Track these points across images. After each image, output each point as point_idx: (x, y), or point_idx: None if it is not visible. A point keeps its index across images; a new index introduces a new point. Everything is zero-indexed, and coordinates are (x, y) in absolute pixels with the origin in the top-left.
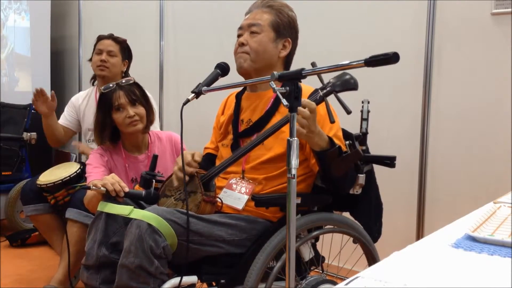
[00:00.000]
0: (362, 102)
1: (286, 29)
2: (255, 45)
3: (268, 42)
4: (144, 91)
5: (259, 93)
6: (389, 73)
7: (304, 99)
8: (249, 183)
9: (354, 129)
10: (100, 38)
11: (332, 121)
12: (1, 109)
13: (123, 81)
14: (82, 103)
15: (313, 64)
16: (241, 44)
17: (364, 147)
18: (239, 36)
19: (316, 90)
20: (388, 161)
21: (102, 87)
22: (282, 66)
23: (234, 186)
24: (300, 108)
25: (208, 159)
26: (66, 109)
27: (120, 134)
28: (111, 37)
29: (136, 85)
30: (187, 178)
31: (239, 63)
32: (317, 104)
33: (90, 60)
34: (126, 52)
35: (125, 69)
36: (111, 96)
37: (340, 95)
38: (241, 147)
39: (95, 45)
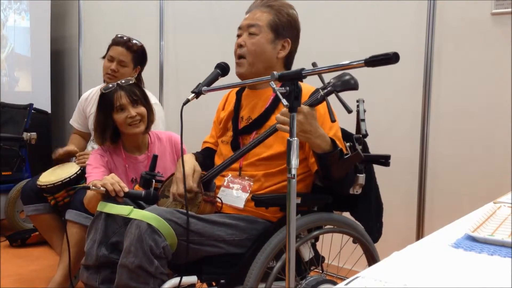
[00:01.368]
0: (357, 102)
1: (285, 29)
2: (252, 47)
3: (266, 43)
4: (144, 91)
5: (259, 91)
6: (389, 73)
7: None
8: (246, 180)
9: (353, 129)
10: (114, 43)
11: (332, 120)
12: (1, 109)
13: (123, 81)
14: (89, 102)
15: (314, 65)
16: (240, 46)
17: (360, 147)
18: (239, 36)
19: (317, 90)
20: (383, 160)
21: (102, 88)
22: (282, 66)
23: (232, 184)
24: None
25: (207, 154)
26: (76, 111)
27: (120, 135)
28: (125, 43)
29: (136, 85)
30: (189, 195)
31: (236, 69)
32: (318, 103)
33: (104, 57)
34: (139, 58)
35: (136, 75)
36: (112, 97)
37: (341, 95)
38: (241, 147)
39: (109, 47)
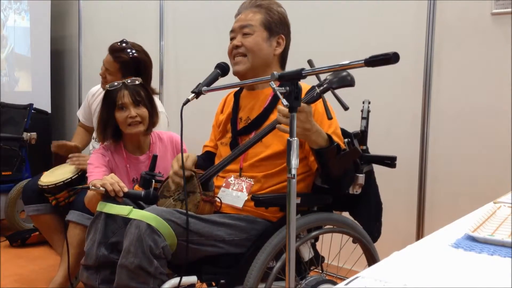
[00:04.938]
0: (363, 102)
1: (278, 26)
2: (250, 45)
3: (262, 41)
4: (150, 92)
5: (257, 92)
6: (389, 73)
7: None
8: (247, 181)
9: (353, 129)
10: (108, 49)
11: (329, 117)
12: (1, 109)
13: (129, 80)
14: (96, 99)
15: (309, 62)
16: (236, 47)
17: (364, 147)
18: (232, 39)
19: (313, 87)
20: (389, 161)
21: (108, 85)
22: (278, 63)
23: (232, 184)
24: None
25: (208, 158)
26: (83, 104)
27: (122, 134)
28: (113, 53)
29: (141, 86)
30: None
31: (234, 66)
32: (315, 101)
33: None
34: (129, 69)
35: None
36: (115, 95)
37: (340, 95)
38: (240, 145)
39: None
